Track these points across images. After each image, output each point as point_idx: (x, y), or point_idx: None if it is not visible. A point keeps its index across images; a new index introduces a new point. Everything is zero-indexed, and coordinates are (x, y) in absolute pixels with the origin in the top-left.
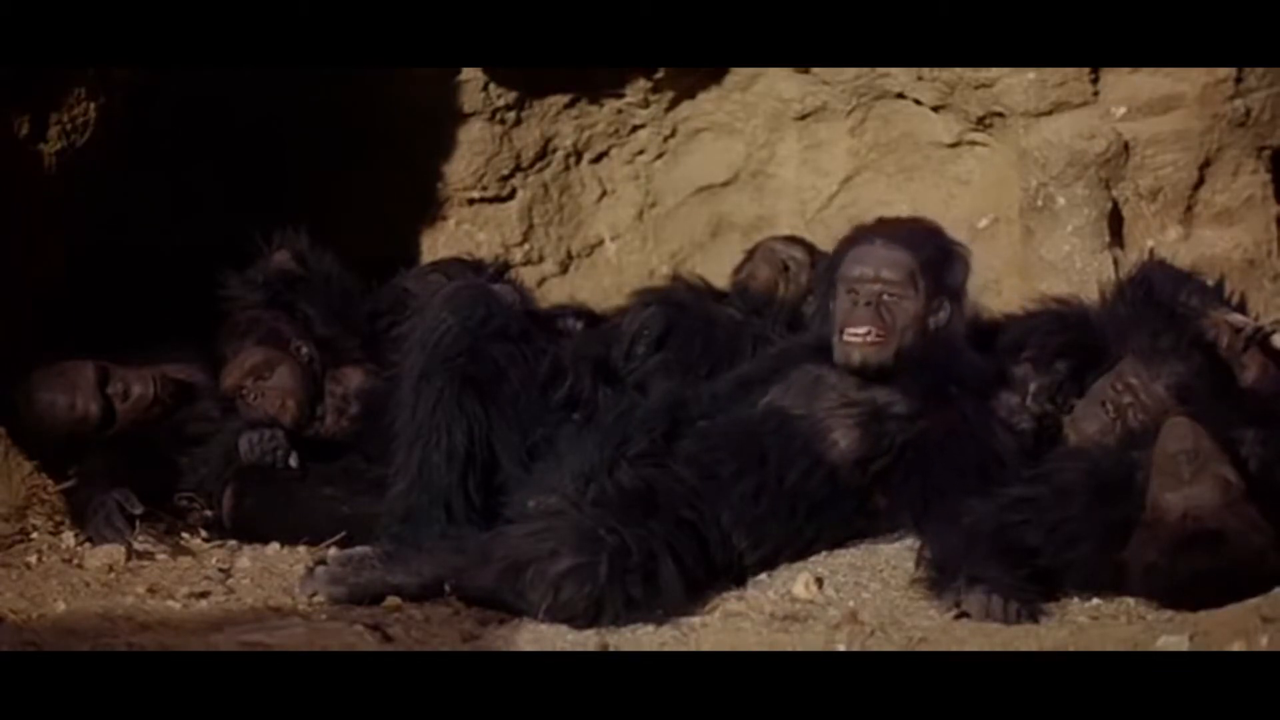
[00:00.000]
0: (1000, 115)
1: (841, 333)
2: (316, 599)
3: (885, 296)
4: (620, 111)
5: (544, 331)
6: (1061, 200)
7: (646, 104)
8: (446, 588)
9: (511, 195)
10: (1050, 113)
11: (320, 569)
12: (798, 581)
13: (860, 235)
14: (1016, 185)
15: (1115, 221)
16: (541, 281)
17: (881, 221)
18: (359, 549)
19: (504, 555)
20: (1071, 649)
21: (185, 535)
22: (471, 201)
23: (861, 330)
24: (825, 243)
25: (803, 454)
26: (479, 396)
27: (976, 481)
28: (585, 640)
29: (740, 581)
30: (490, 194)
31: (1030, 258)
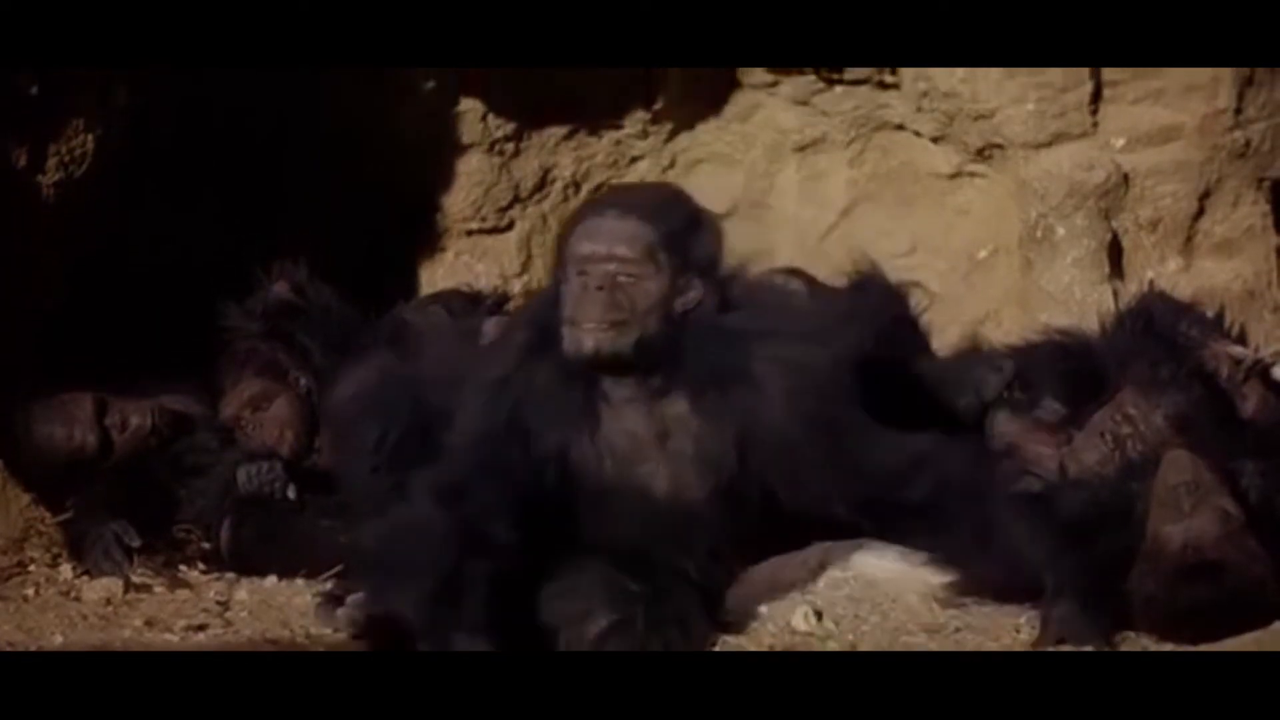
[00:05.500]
0: (999, 146)
1: (572, 322)
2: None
3: (621, 277)
4: (619, 143)
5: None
6: (1061, 231)
7: (645, 135)
8: None
9: (510, 226)
10: (1050, 144)
11: (342, 610)
12: (796, 614)
13: (591, 207)
14: (1016, 216)
15: (1115, 252)
16: None
17: (616, 189)
18: None
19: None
20: None
21: (183, 567)
22: (470, 232)
23: (592, 322)
24: (825, 274)
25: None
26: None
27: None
28: None
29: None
30: (489, 225)
31: (1030, 288)
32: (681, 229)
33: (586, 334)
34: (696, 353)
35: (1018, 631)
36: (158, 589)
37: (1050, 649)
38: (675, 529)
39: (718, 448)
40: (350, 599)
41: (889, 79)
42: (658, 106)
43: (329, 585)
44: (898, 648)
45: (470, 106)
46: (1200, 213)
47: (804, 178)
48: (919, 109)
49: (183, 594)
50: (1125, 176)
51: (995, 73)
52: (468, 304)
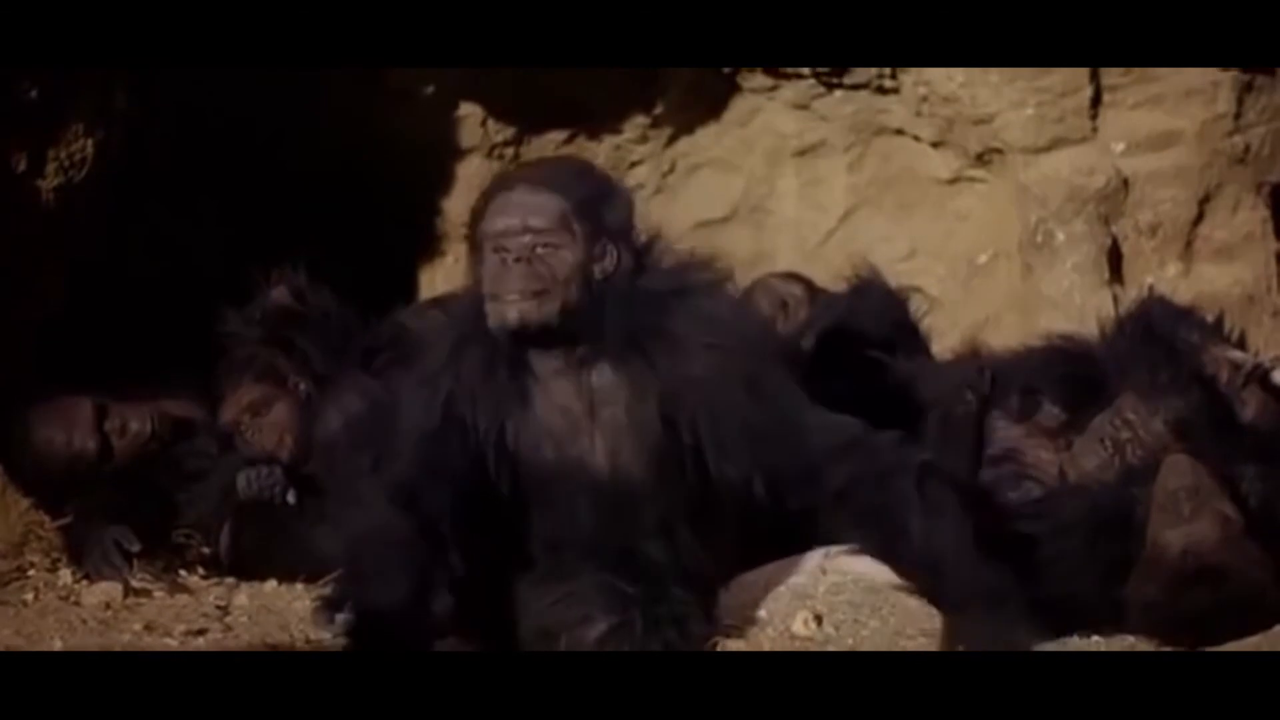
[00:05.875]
0: (999, 151)
1: (494, 296)
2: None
3: (538, 248)
4: (618, 147)
5: None
6: (1061, 236)
7: (644, 139)
8: None
9: None
10: (1049, 149)
11: (342, 616)
12: (796, 619)
13: (499, 184)
14: (1016, 221)
15: (1114, 257)
16: None
17: (522, 166)
18: None
19: (531, 625)
20: None
21: (183, 572)
22: (469, 237)
23: (515, 293)
24: (824, 279)
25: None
26: None
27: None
28: None
29: None
30: None
31: (1029, 293)
32: (592, 197)
33: (510, 305)
34: (617, 317)
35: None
36: (157, 594)
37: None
38: (619, 507)
39: (647, 411)
40: (348, 604)
41: (888, 83)
42: (657, 111)
43: (327, 590)
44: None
45: (470, 111)
46: (1200, 218)
47: (803, 182)
48: (918, 114)
49: (182, 599)
50: (1125, 181)
51: (994, 77)
52: None
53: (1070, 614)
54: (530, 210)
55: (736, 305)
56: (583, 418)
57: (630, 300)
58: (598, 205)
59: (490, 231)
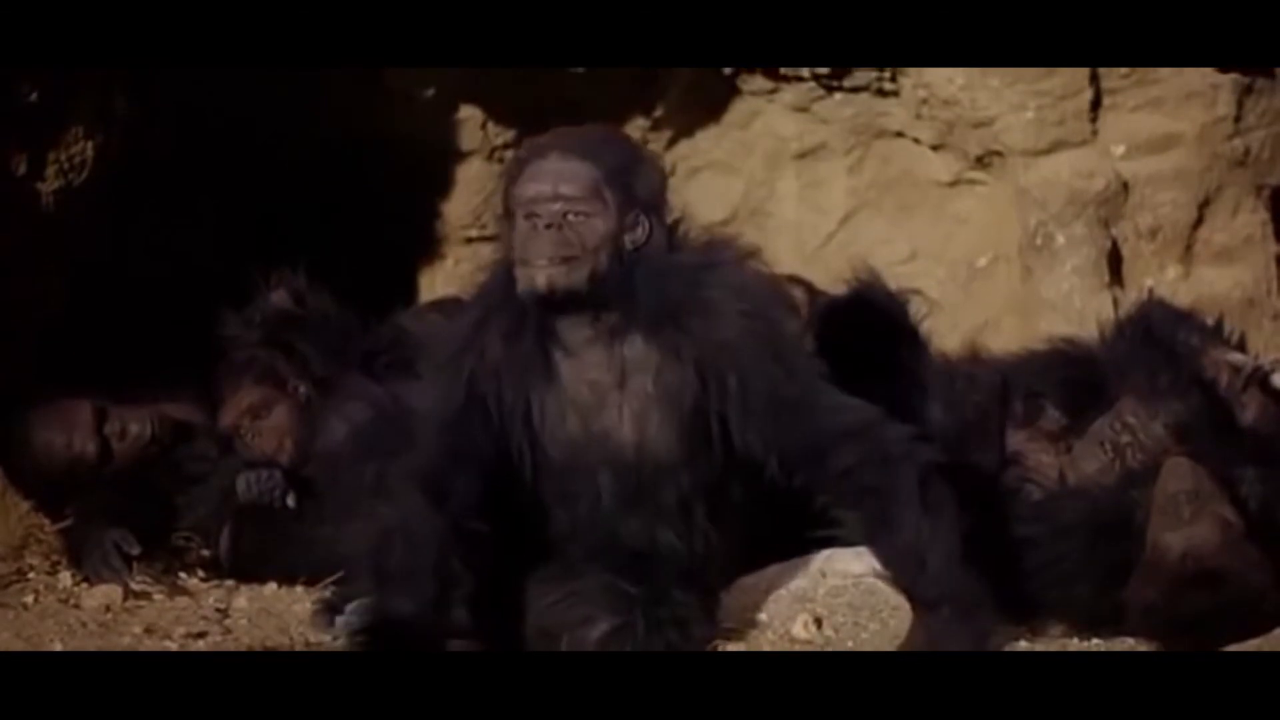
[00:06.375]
0: (999, 154)
1: (523, 261)
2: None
3: (569, 216)
4: None
5: None
6: (1061, 239)
7: (644, 143)
8: None
9: None
10: (1049, 151)
11: (342, 618)
12: (796, 622)
13: (533, 150)
14: (1015, 224)
15: (1114, 260)
16: None
17: (554, 133)
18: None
19: (533, 625)
20: None
21: (183, 575)
22: (470, 240)
23: (544, 258)
24: (824, 281)
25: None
26: None
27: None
28: None
29: None
30: (488, 233)
31: (1029, 296)
32: (625, 166)
33: (539, 270)
34: (650, 287)
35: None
36: (157, 596)
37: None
38: (642, 482)
39: (678, 379)
40: (348, 607)
41: (888, 86)
42: (657, 114)
43: (327, 593)
44: None
45: (470, 114)
46: (1200, 221)
47: (803, 185)
48: (918, 116)
49: (182, 601)
50: (1125, 184)
51: (994, 80)
52: None
53: (1070, 616)
54: (562, 177)
55: (766, 278)
56: (611, 390)
57: (662, 271)
58: (630, 175)
59: (521, 198)
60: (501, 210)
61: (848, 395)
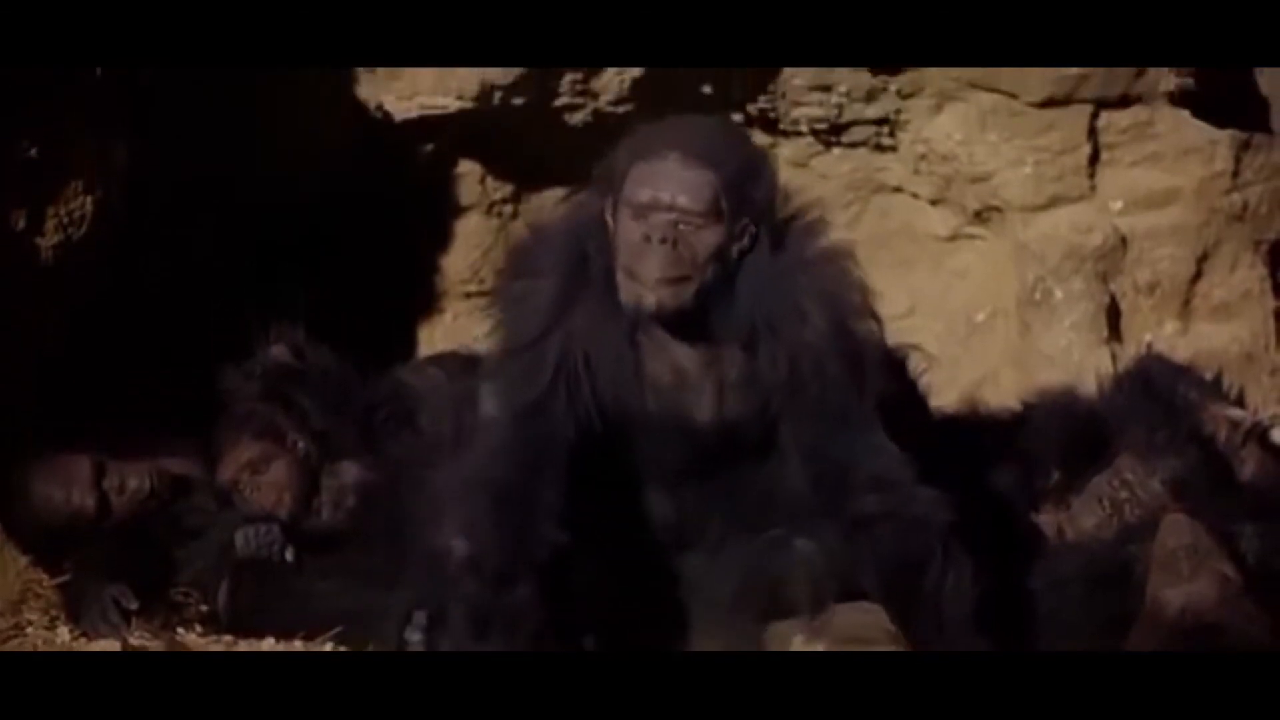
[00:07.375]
0: (997, 209)
1: (630, 274)
2: None
3: (682, 227)
4: None
5: None
6: (1059, 293)
7: None
8: None
9: None
10: (1047, 207)
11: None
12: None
13: (649, 144)
14: (1014, 278)
15: (1113, 315)
16: None
17: (676, 125)
18: None
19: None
20: None
21: (181, 629)
22: (469, 294)
23: (655, 277)
24: None
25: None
26: None
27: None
28: None
29: None
30: (487, 287)
31: (1028, 351)
32: (742, 174)
33: (648, 290)
34: (750, 300)
35: None
36: (155, 651)
37: None
38: (715, 446)
39: (767, 371)
40: (415, 615)
41: (886, 141)
42: None
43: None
44: None
45: (469, 169)
46: (1198, 275)
47: None
48: (916, 171)
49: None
50: (1123, 239)
51: (993, 135)
52: (465, 366)
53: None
54: (682, 187)
55: (855, 281)
56: (695, 378)
57: (764, 283)
58: (745, 183)
59: (634, 200)
60: (604, 184)
61: (888, 441)
